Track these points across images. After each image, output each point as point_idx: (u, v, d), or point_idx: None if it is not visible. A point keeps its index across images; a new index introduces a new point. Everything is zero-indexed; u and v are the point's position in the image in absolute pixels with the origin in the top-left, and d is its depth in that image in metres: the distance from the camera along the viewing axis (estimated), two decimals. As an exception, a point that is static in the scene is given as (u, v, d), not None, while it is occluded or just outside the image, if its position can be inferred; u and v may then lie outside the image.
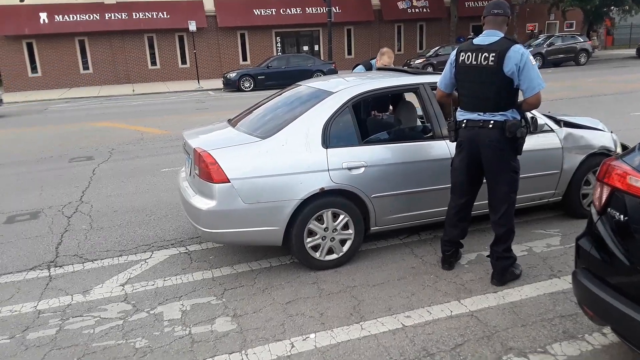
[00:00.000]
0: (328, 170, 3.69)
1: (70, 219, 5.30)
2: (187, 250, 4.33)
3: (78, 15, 25.05)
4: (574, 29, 33.22)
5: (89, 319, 3.28)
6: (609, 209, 2.37)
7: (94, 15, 25.27)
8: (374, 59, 6.15)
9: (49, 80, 25.68)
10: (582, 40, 25.97)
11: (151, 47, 27.20)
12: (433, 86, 4.12)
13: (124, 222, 5.11)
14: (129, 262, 4.16)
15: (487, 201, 3.56)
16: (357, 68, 6.18)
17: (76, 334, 3.10)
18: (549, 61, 24.70)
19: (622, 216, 2.27)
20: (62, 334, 3.11)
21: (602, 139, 4.60)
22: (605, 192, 2.38)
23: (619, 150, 4.62)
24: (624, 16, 29.79)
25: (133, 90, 22.69)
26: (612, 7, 28.87)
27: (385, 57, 5.78)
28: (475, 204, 3.69)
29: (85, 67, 26.51)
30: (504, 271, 3.47)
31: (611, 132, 4.79)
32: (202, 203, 3.66)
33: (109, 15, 25.48)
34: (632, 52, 30.54)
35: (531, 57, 3.18)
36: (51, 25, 24.70)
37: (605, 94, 13.49)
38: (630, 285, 2.22)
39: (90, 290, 3.69)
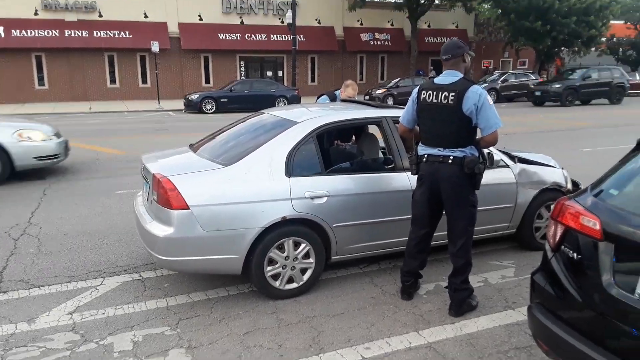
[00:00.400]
0: (290, 199, 3.67)
1: (17, 241, 5.04)
2: (140, 277, 4.19)
3: (36, 31, 24.41)
4: (526, 66, 34.94)
5: (33, 349, 3.10)
6: (562, 247, 2.45)
7: (54, 31, 24.70)
8: (338, 89, 6.26)
9: (2, 95, 24.70)
10: (534, 78, 27.29)
11: (111, 65, 26.75)
12: (395, 120, 4.22)
13: (74, 246, 4.90)
14: (79, 288, 3.97)
15: (445, 232, 3.64)
16: (321, 98, 6.26)
17: (18, 367, 2.92)
18: (502, 96, 25.77)
19: (575, 254, 2.35)
20: (2, 366, 2.92)
21: (553, 175, 4.80)
22: (560, 230, 2.47)
23: (569, 186, 4.83)
24: (573, 57, 31.60)
25: (90, 108, 22.12)
26: (563, 48, 30.57)
27: (349, 89, 5.89)
28: (434, 234, 3.75)
29: (41, 83, 25.74)
30: (462, 302, 3.53)
31: (562, 168, 5.01)
32: (159, 230, 3.56)
33: (69, 32, 24.96)
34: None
35: (488, 98, 3.31)
36: (6, 40, 23.92)
37: (555, 130, 14.15)
38: (583, 321, 2.29)
39: (35, 318, 3.49)
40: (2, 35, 23.82)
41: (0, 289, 3.96)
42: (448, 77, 3.42)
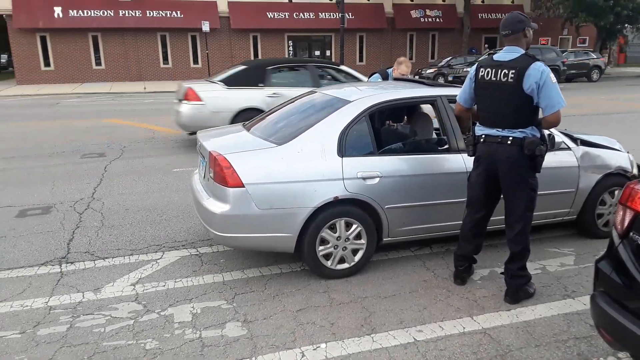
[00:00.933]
0: (343, 179, 3.68)
1: (82, 215, 5.31)
2: (198, 253, 4.33)
3: (92, 11, 25.23)
4: (587, 45, 33.15)
5: (99, 317, 3.28)
6: (631, 233, 2.34)
7: (108, 11, 25.46)
8: (390, 67, 6.16)
9: (61, 75, 25.84)
10: (595, 57, 25.90)
11: (164, 45, 27.34)
12: (450, 99, 4.12)
13: (135, 221, 5.12)
14: (140, 261, 4.16)
15: (501, 217, 3.55)
16: (373, 76, 6.18)
17: (87, 332, 3.10)
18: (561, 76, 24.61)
19: (645, 241, 2.25)
20: (72, 331, 3.12)
21: (618, 159, 4.57)
22: (628, 215, 2.36)
23: (635, 171, 4.59)
24: (637, 34, 29.72)
25: (144, 88, 22.80)
26: (626, 25, 28.78)
27: (402, 66, 5.78)
28: (491, 218, 3.67)
29: (98, 63, 26.67)
30: (518, 289, 3.45)
31: (628, 152, 4.76)
32: (216, 206, 3.66)
33: (123, 12, 25.66)
34: (645, 70, 30.45)
35: (552, 75, 3.17)
36: (65, 20, 24.88)
37: (618, 112, 13.43)
38: (652, 311, 2.20)
39: (101, 288, 3.69)
40: (61, 15, 24.77)
41: (67, 259, 4.20)
42: (508, 53, 3.28)
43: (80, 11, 25.08)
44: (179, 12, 26.37)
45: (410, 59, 30.86)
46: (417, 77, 23.24)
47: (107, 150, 8.73)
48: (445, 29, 31.26)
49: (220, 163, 3.60)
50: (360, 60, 30.55)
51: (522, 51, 3.28)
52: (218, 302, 3.47)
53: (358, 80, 9.16)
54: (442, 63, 24.97)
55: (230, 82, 8.88)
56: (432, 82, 5.03)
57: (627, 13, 26.26)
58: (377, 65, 28.46)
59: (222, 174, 3.58)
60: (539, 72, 3.14)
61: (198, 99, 8.55)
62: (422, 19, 30.61)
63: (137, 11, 25.86)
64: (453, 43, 31.35)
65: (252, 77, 8.94)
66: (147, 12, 26.00)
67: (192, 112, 8.52)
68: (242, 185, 3.54)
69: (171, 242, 4.57)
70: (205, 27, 22.83)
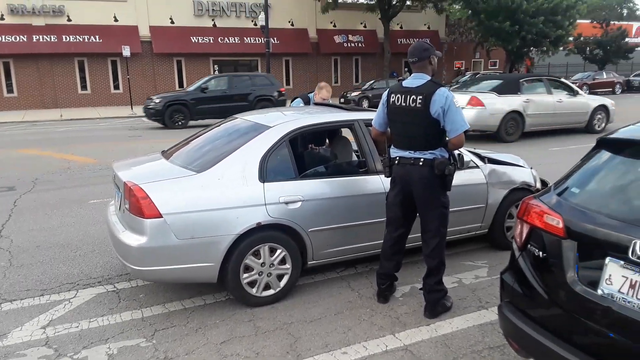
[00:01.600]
0: (265, 204, 3.68)
1: (-14, 255, 4.92)
2: (115, 289, 4.13)
3: (3, 37, 23.82)
4: (497, 67, 35.58)
5: (4, 367, 3.03)
6: (529, 245, 2.52)
7: (21, 36, 24.14)
8: (312, 92, 6.29)
9: (-34, 103, 24.06)
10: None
11: (82, 70, 26.26)
12: (367, 123, 4.26)
13: (46, 259, 4.81)
14: (52, 302, 3.90)
15: (419, 234, 3.69)
16: (295, 101, 6.28)
17: (-12, 385, 2.86)
18: (475, 96, 26.18)
19: (540, 252, 2.42)
20: (-29, 385, 2.86)
21: (523, 174, 4.91)
22: (525, 229, 2.54)
23: (538, 185, 4.95)
24: (542, 56, 32.29)
25: (61, 116, 21.67)
26: (532, 48, 31.24)
27: (323, 91, 5.92)
28: (409, 236, 3.80)
29: (10, 91, 25.12)
30: (436, 304, 3.58)
31: (531, 167, 5.13)
32: (132, 239, 3.52)
33: (37, 37, 24.44)
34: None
35: (455, 100, 3.37)
36: (-28, 46, 23.29)
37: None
38: (550, 318, 2.36)
39: (8, 333, 3.41)
40: (-33, 42, 23.18)
41: (-32, 305, 3.86)
42: (416, 79, 3.47)
43: (-11, 36, 23.60)
44: (97, 36, 25.49)
45: (335, 82, 31.68)
46: (342, 101, 23.81)
47: (18, 183, 8.18)
48: (367, 53, 32.41)
49: (136, 193, 3.49)
50: (287, 83, 30.87)
51: (428, 77, 3.47)
52: (137, 340, 3.32)
53: (570, 88, 13.15)
54: (366, 86, 25.77)
55: (500, 91, 11.96)
56: (350, 106, 5.18)
57: (531, 37, 28.53)
58: (304, 88, 28.90)
59: (138, 205, 3.46)
60: (443, 97, 3.33)
61: (481, 104, 11.43)
62: (345, 44, 31.58)
63: (52, 36, 24.72)
64: (375, 67, 32.55)
65: (512, 87, 12.13)
66: (64, 37, 24.93)
67: (476, 114, 11.18)
68: (160, 216, 3.44)
69: (86, 279, 4.33)
70: (126, 52, 22.20)
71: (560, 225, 2.32)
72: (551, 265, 2.37)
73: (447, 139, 3.47)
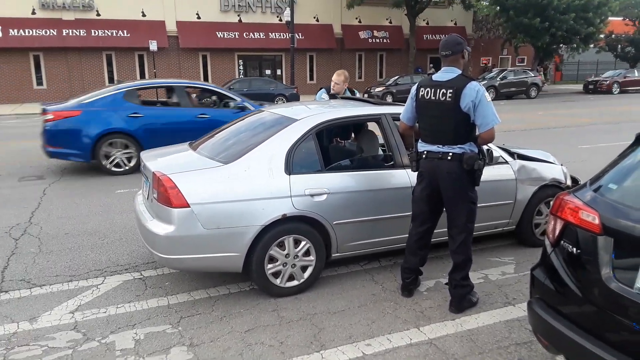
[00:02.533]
0: (290, 196, 3.68)
1: (18, 241, 5.04)
2: (141, 276, 4.19)
3: (34, 30, 24.36)
4: (525, 64, 34.94)
5: (35, 348, 3.11)
6: (562, 242, 2.46)
7: (51, 30, 24.64)
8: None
9: (0, 95, 24.67)
10: (532, 75, 27.31)
11: (109, 64, 26.68)
12: (394, 117, 4.23)
13: (75, 246, 4.91)
14: (80, 288, 3.98)
15: (445, 229, 3.66)
16: (320, 92, 6.32)
17: (20, 366, 2.93)
18: (501, 93, 25.79)
19: (574, 249, 2.36)
20: (4, 365, 2.94)
21: (553, 171, 4.80)
22: (559, 225, 2.48)
23: (568, 182, 4.84)
24: (572, 53, 31.56)
25: (89, 108, 22.05)
26: (561, 45, 30.56)
27: (341, 78, 5.92)
28: (435, 231, 3.76)
29: (39, 83, 25.69)
30: (462, 299, 3.54)
31: (561, 164, 5.02)
32: (160, 228, 3.57)
33: (67, 31, 24.90)
34: (579, 87, 32.36)
35: (486, 94, 3.32)
36: (5, 39, 23.88)
37: (554, 127, 14.15)
38: (583, 315, 2.31)
39: (37, 317, 3.50)
40: (0, 35, 23.77)
41: (1, 288, 3.97)
42: (446, 73, 3.42)
43: (21, 30, 24.15)
44: (125, 31, 25.85)
45: (359, 78, 31.54)
46: (366, 96, 23.74)
47: (47, 173, 8.37)
48: (392, 49, 32.16)
49: (165, 183, 3.53)
50: (311, 79, 30.89)
51: (459, 71, 3.42)
52: (162, 327, 3.36)
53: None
54: (390, 82, 25.61)
55: None
56: (377, 100, 5.15)
57: (561, 34, 27.90)
58: (328, 83, 28.79)
59: (166, 195, 3.50)
60: (474, 91, 3.28)
61: None
62: (370, 40, 31.38)
63: (81, 30, 25.16)
64: (400, 63, 32.27)
65: None
66: (92, 31, 25.34)
67: None
68: (188, 206, 3.47)
69: (113, 266, 4.41)
70: (153, 46, 22.51)
71: (597, 221, 2.26)
72: (585, 261, 2.31)
73: (477, 133, 3.41)
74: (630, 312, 2.08)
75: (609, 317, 2.18)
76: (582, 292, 2.31)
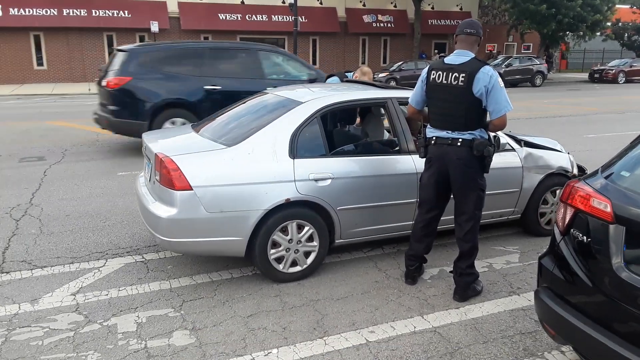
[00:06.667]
0: (294, 180, 3.63)
1: (19, 222, 5.01)
2: (143, 259, 4.16)
3: (34, 10, 24.08)
4: (531, 51, 34.59)
5: (37, 329, 3.09)
6: (572, 230, 2.42)
7: (52, 10, 24.37)
8: (349, 71, 6.14)
9: (0, 75, 24.50)
10: (538, 62, 27.04)
11: (110, 45, 26.37)
12: (401, 101, 4.16)
13: (76, 228, 4.87)
14: (81, 270, 3.95)
15: (450, 216, 3.61)
16: (331, 79, 6.09)
17: (23, 346, 2.91)
18: (506, 81, 25.56)
19: (584, 237, 2.32)
20: (8, 345, 2.92)
21: (560, 159, 4.74)
22: (569, 213, 2.44)
23: (575, 171, 4.78)
24: (578, 41, 31.24)
25: (89, 89, 21.93)
26: (568, 32, 30.21)
27: (365, 78, 5.71)
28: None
29: (40, 64, 25.47)
30: (467, 287, 3.51)
31: (568, 153, 4.96)
32: (162, 210, 3.52)
33: (67, 11, 24.63)
34: (585, 76, 32.08)
35: (500, 80, 3.24)
36: (5, 19, 23.63)
37: (560, 116, 14.04)
38: (592, 305, 2.27)
39: (39, 299, 3.47)
40: (0, 13, 23.52)
41: (2, 269, 3.95)
42: (459, 57, 3.34)
43: (21, 9, 23.88)
44: (126, 11, 25.58)
45: (363, 62, 31.24)
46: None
47: (48, 154, 8.32)
48: (396, 34, 31.81)
49: (167, 165, 3.48)
50: (314, 62, 30.58)
51: (473, 55, 3.33)
52: (165, 311, 3.34)
53: None
54: (394, 67, 25.38)
55: None
56: (383, 84, 5.06)
57: (568, 21, 27.55)
58: (331, 67, 28.64)
59: (168, 177, 3.45)
60: (488, 76, 3.21)
61: None
62: (374, 24, 31.04)
63: (82, 10, 24.89)
64: (404, 48, 31.94)
65: None
66: (93, 11, 25.07)
67: None
68: (190, 188, 3.43)
69: (115, 248, 4.38)
70: (154, 27, 22.29)
71: (608, 209, 2.21)
72: (596, 250, 2.27)
73: (488, 119, 3.34)
74: (641, 303, 2.04)
75: (618, 307, 2.15)
76: (591, 282, 2.27)
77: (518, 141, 4.60)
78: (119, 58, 8.19)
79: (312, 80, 8.59)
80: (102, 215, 5.26)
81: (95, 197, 5.89)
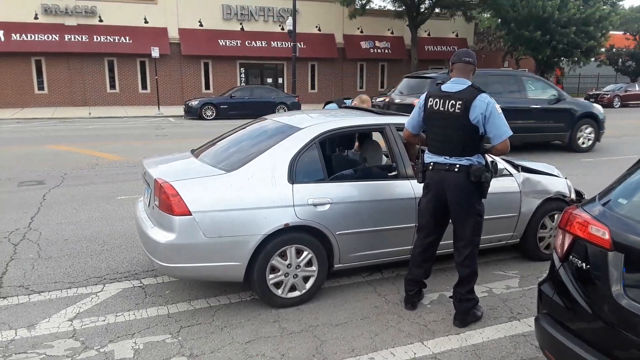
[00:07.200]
0: (293, 205, 3.65)
1: (17, 246, 4.99)
2: (141, 284, 4.14)
3: (36, 35, 24.43)
4: (525, 76, 34.97)
5: (33, 356, 3.05)
6: (571, 257, 2.43)
7: (53, 35, 24.73)
8: (348, 98, 6.21)
9: (1, 99, 24.69)
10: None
11: (111, 70, 26.75)
12: (398, 127, 4.21)
13: (74, 252, 4.86)
14: (79, 295, 3.93)
15: (450, 241, 3.62)
16: (329, 105, 6.15)
17: (17, 374, 2.88)
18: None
19: (584, 264, 2.33)
20: (0, 374, 2.88)
21: (557, 184, 4.77)
22: (567, 240, 2.45)
23: (573, 195, 4.81)
24: (573, 66, 31.70)
25: (89, 113, 22.09)
26: (562, 58, 30.68)
27: (364, 105, 5.76)
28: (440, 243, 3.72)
29: (41, 88, 25.72)
30: (467, 313, 3.49)
31: (566, 177, 4.99)
32: (161, 235, 3.52)
33: (69, 36, 24.99)
34: (581, 100, 32.38)
35: (497, 106, 3.29)
36: (7, 44, 23.95)
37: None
38: (592, 332, 2.26)
39: (35, 324, 3.45)
40: (2, 39, 23.84)
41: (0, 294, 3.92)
42: (456, 84, 3.40)
43: (23, 35, 24.23)
44: (127, 37, 25.94)
45: (361, 87, 31.62)
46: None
47: (47, 178, 8.33)
48: (394, 59, 32.25)
49: (166, 190, 3.49)
50: (312, 88, 30.96)
51: (469, 83, 3.40)
52: (162, 337, 3.31)
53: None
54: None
55: None
56: (381, 110, 5.12)
57: (562, 47, 28.00)
58: (329, 93, 28.95)
59: (168, 202, 3.47)
60: (484, 104, 3.26)
61: None
62: (371, 50, 31.49)
63: (83, 36, 25.24)
64: (401, 73, 32.10)
65: None
66: (95, 37, 25.43)
67: None
68: (189, 214, 3.44)
69: (113, 273, 4.36)
70: (155, 53, 22.54)
71: (607, 236, 2.22)
72: (595, 277, 2.28)
73: (490, 145, 3.39)
74: (641, 330, 2.04)
75: (618, 334, 2.14)
76: (591, 308, 2.27)
77: (516, 166, 4.64)
78: None
79: (558, 100, 11.43)
80: (101, 239, 5.24)
81: (94, 221, 5.88)
